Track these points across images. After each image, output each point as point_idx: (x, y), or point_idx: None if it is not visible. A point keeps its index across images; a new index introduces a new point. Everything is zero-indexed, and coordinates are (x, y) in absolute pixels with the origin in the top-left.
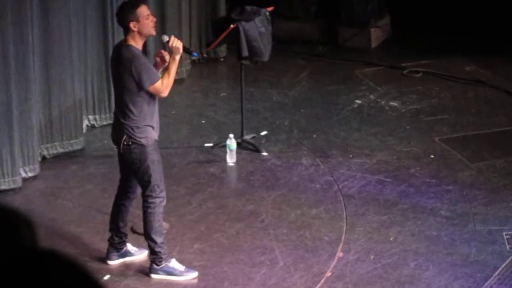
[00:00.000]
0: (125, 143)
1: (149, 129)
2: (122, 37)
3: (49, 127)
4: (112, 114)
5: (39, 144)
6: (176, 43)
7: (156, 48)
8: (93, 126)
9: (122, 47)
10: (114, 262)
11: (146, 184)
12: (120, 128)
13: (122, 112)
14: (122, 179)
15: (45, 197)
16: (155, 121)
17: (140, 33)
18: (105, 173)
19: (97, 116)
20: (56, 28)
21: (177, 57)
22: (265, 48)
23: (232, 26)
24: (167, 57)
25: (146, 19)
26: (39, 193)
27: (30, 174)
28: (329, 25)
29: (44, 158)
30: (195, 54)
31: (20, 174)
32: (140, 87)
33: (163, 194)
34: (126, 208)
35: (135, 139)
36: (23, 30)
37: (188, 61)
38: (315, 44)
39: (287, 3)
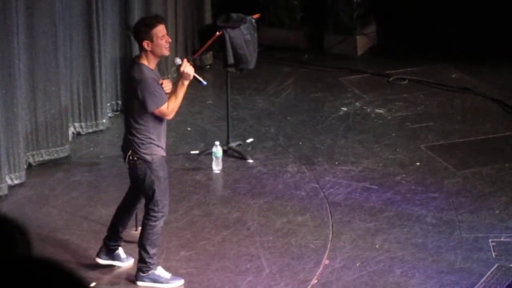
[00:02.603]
0: (130, 157)
1: (154, 146)
2: (109, 44)
3: (35, 134)
4: (97, 122)
5: (25, 152)
6: (188, 69)
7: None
8: (79, 134)
9: (134, 65)
10: (103, 262)
11: (149, 198)
12: (127, 142)
13: (128, 128)
14: (131, 188)
15: (31, 205)
16: (162, 141)
17: (153, 52)
18: (90, 180)
19: (82, 124)
20: (42, 35)
21: (186, 83)
22: (251, 56)
23: (218, 33)
24: (167, 88)
25: (160, 39)
26: (25, 201)
27: (16, 182)
28: (315, 32)
29: (30, 165)
30: (204, 83)
31: (6, 181)
32: (144, 108)
33: (165, 209)
34: (130, 214)
35: (140, 155)
36: (8, 36)
37: (174, 68)
38: (301, 51)
39: (273, 10)
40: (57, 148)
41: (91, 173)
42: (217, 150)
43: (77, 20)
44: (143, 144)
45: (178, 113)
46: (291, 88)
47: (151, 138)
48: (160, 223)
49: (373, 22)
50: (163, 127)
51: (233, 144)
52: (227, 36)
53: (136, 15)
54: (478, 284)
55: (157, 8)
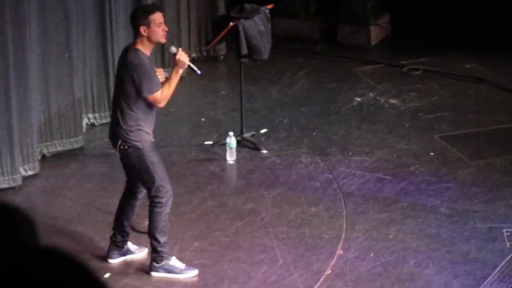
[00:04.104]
0: (121, 147)
1: (142, 133)
2: (121, 35)
3: (49, 125)
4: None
5: (39, 143)
6: (183, 58)
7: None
8: (92, 125)
9: (130, 51)
10: (115, 261)
11: (150, 186)
12: (115, 132)
13: (117, 116)
14: (128, 179)
15: (45, 196)
16: (150, 129)
17: (149, 39)
18: (104, 171)
19: (96, 115)
20: (54, 27)
21: (180, 71)
22: (265, 46)
23: (231, 24)
24: (160, 77)
25: (157, 26)
26: (39, 192)
27: (30, 173)
28: (328, 23)
29: (43, 156)
30: (198, 72)
31: (20, 172)
32: (139, 93)
33: (170, 193)
34: (133, 207)
35: (130, 143)
36: (21, 29)
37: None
38: (314, 42)
39: (286, 1)
40: (71, 139)
41: (105, 164)
42: (231, 140)
43: (89, 11)
44: (131, 131)
45: (192, 103)
46: (304, 79)
47: (139, 125)
48: (166, 209)
49: (387, 13)
50: (153, 115)
51: (247, 135)
52: (240, 27)
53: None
54: (492, 274)
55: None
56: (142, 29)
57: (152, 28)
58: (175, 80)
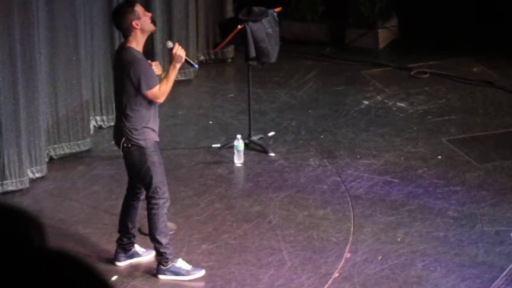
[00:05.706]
0: (124, 145)
1: (147, 131)
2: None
3: (56, 128)
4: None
5: (46, 145)
6: (180, 52)
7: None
8: (100, 127)
9: (122, 50)
10: (122, 264)
11: (148, 186)
12: (119, 130)
13: (120, 115)
14: (130, 180)
15: (53, 198)
16: (155, 124)
17: (142, 30)
18: (112, 174)
19: (104, 117)
20: (62, 29)
21: (178, 66)
22: (273, 49)
23: (239, 27)
24: (157, 70)
25: (144, 15)
26: (47, 194)
27: (37, 175)
28: (336, 26)
29: (51, 159)
30: (195, 66)
31: (27, 175)
32: (137, 90)
33: (166, 195)
34: (135, 208)
35: (133, 141)
36: (30, 31)
37: (196, 61)
38: (322, 45)
39: (294, 4)
40: (79, 142)
41: (112, 167)
42: (239, 143)
43: (98, 14)
44: (136, 130)
45: (200, 106)
46: (312, 82)
47: (144, 122)
48: (163, 210)
49: (395, 16)
50: (154, 111)
51: (254, 138)
52: (248, 30)
53: (157, 8)
54: (499, 278)
55: (178, 2)
56: (135, 24)
57: (142, 18)
58: (173, 74)
